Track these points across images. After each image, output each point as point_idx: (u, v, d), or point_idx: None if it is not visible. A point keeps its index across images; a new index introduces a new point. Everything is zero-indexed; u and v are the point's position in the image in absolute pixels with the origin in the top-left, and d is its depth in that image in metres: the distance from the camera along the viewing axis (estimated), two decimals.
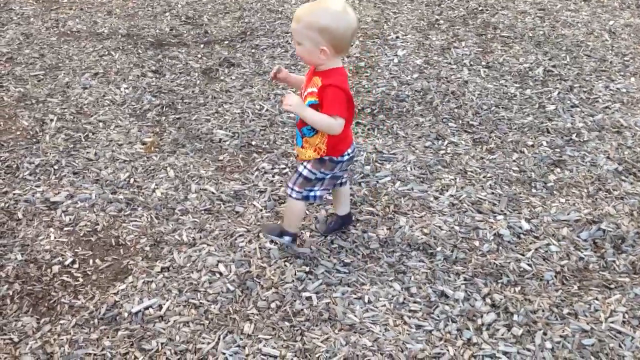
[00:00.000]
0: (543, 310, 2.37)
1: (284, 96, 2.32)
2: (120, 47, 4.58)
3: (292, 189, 2.49)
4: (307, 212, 2.80)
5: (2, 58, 4.41)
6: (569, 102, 3.81)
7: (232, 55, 4.44)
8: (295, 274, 2.52)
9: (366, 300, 2.40)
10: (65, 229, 2.79)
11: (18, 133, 3.51)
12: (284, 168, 3.19)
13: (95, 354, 2.19)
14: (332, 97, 2.23)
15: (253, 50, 4.52)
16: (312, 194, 2.50)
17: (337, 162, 2.43)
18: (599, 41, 4.63)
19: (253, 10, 5.22)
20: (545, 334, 2.27)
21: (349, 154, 2.45)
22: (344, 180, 2.65)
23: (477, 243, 2.69)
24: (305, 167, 2.46)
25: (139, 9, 5.31)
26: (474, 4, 5.34)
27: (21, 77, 4.15)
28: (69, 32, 4.87)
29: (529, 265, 2.58)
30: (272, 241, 2.68)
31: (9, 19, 5.09)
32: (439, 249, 2.65)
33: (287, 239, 2.59)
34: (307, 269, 2.54)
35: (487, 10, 5.23)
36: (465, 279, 2.50)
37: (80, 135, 3.49)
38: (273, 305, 2.39)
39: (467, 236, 2.74)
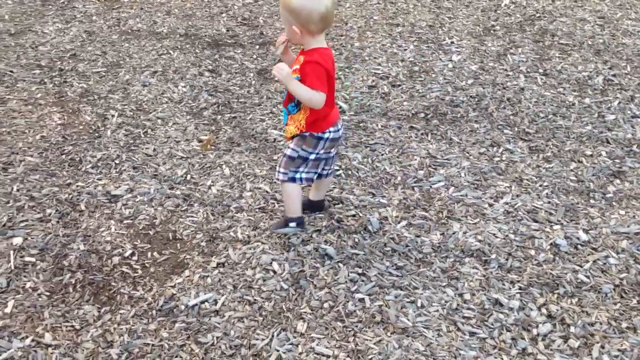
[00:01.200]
0: (601, 323, 2.32)
1: (276, 64, 2.43)
2: (179, 47, 4.68)
3: (278, 171, 2.63)
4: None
5: (66, 54, 4.56)
6: (629, 112, 3.72)
7: None
8: (348, 275, 2.53)
9: (419, 305, 2.40)
10: (125, 221, 2.87)
11: (81, 127, 3.63)
12: (337, 170, 3.21)
13: (153, 344, 2.25)
14: (311, 73, 2.36)
15: None
16: (297, 175, 2.61)
17: (318, 138, 2.53)
18: None
19: None
20: (603, 347, 2.23)
21: (330, 132, 2.53)
22: (328, 170, 2.71)
23: (532, 252, 2.66)
24: (288, 146, 2.61)
25: (196, 10, 5.41)
26: (531, 11, 5.27)
27: (84, 73, 4.29)
28: (129, 30, 5.00)
29: (586, 277, 2.53)
30: (326, 242, 2.70)
31: (72, 17, 5.26)
32: (493, 256, 2.63)
33: (292, 225, 2.71)
34: (360, 270, 2.56)
35: (544, 17, 5.15)
36: (520, 288, 2.47)
37: (139, 132, 3.58)
38: (326, 305, 2.41)
39: (522, 245, 2.70)
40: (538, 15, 5.18)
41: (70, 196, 3.02)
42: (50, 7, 5.47)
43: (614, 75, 4.15)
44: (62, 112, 3.79)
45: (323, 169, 2.69)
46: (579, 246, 2.69)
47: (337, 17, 5.18)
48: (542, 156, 3.34)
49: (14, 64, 4.41)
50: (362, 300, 2.43)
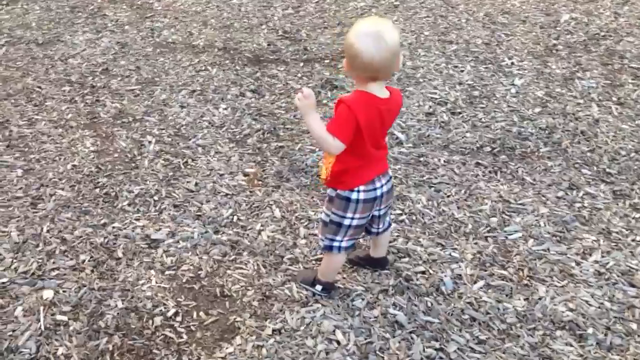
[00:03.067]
0: None
1: (302, 90, 2.07)
2: (217, 63, 4.37)
3: (319, 237, 2.33)
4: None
5: (98, 69, 4.28)
6: None
7: (334, 77, 4.16)
8: (423, 350, 2.20)
9: None
10: (167, 272, 2.56)
11: (116, 155, 3.33)
12: (400, 214, 2.88)
13: None
14: (337, 114, 2.03)
15: None
16: (335, 244, 2.26)
17: (345, 198, 2.15)
18: None
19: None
20: None
21: (360, 191, 2.13)
22: (379, 229, 2.35)
23: (634, 326, 2.31)
24: (323, 209, 2.30)
25: (234, 20, 5.10)
26: (594, 28, 4.89)
27: (117, 91, 4.00)
28: (164, 42, 4.71)
29: None
30: (394, 305, 2.38)
31: (103, 26, 4.98)
32: (590, 331, 2.28)
33: (318, 288, 2.42)
34: (438, 344, 2.23)
35: (610, 36, 4.76)
36: None
37: (179, 162, 3.28)
38: None
39: (621, 316, 2.36)
40: (602, 34, 4.79)
41: (106, 240, 2.72)
42: (80, 14, 5.20)
43: None
44: (95, 136, 3.50)
45: (371, 227, 2.35)
46: None
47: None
48: (629, 203, 2.98)
49: (43, 78, 4.14)
50: None
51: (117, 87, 4.04)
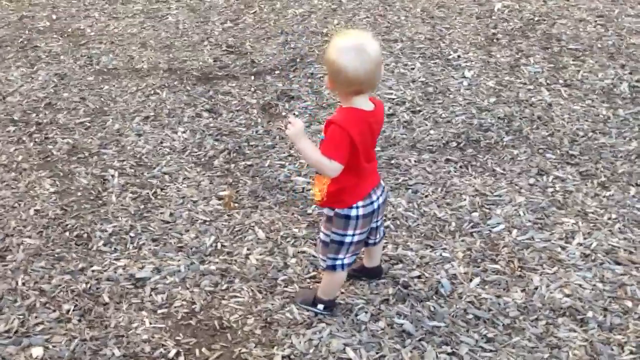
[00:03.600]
0: None
1: (289, 119, 2.06)
2: (166, 85, 4.25)
3: (319, 257, 2.31)
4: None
5: (40, 104, 4.08)
6: None
7: (288, 87, 4.13)
8: (437, 357, 2.21)
9: None
10: (160, 311, 2.47)
11: (79, 194, 3.18)
12: (384, 220, 2.88)
13: None
14: (329, 136, 2.00)
15: (310, 80, 4.20)
16: (337, 262, 2.24)
17: (344, 216, 2.13)
18: None
19: (296, 34, 4.90)
20: None
21: (359, 207, 2.12)
22: (375, 240, 2.36)
23: (629, 304, 2.39)
24: (320, 229, 2.26)
25: (174, 39, 4.98)
26: (528, 14, 5.05)
27: (66, 125, 3.82)
28: (105, 69, 4.54)
29: None
30: (398, 314, 2.37)
31: (36, 58, 4.75)
32: (589, 314, 2.35)
33: (320, 307, 2.38)
34: (449, 349, 2.24)
35: (543, 20, 4.93)
36: (631, 352, 2.20)
37: (148, 193, 3.16)
38: None
39: (614, 295, 2.44)
40: (536, 19, 4.95)
41: (88, 285, 2.59)
42: (9, 48, 4.94)
43: (637, 81, 3.95)
44: (52, 176, 3.34)
45: (369, 238, 2.34)
46: None
47: (328, 35, 4.83)
48: (597, 182, 3.08)
49: None
50: None
51: (64, 121, 3.86)
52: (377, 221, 2.26)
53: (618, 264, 2.58)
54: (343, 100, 2.06)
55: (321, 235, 2.26)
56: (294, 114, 3.83)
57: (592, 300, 2.41)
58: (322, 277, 2.39)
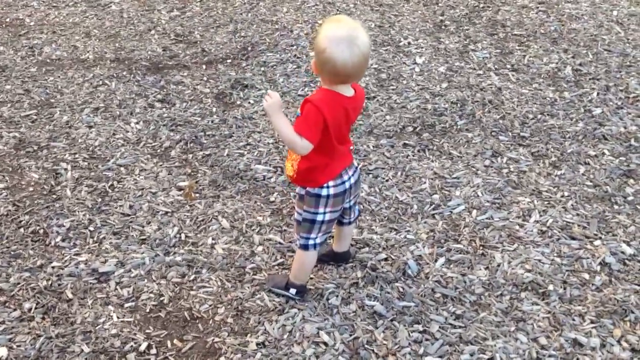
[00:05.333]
0: None
1: (268, 92, 2.09)
2: (114, 75, 4.14)
3: (295, 236, 2.32)
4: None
5: None
6: (611, 103, 3.68)
7: (241, 76, 4.09)
8: (409, 335, 2.26)
9: None
10: (127, 305, 2.42)
11: (31, 189, 3.07)
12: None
13: None
14: (304, 114, 2.01)
15: (263, 69, 4.17)
16: (310, 242, 2.26)
17: (315, 195, 2.16)
18: (612, 34, 4.54)
19: (246, 23, 4.85)
20: None
21: (329, 187, 2.15)
22: (350, 219, 2.39)
23: (586, 276, 2.50)
24: (296, 209, 2.29)
25: (119, 28, 4.85)
26: (473, 1, 5.16)
27: (11, 119, 3.67)
28: (48, 60, 4.38)
29: None
30: (368, 296, 2.41)
31: None
32: (550, 287, 2.45)
33: (292, 291, 2.38)
34: (420, 327, 2.29)
35: (488, 7, 5.06)
36: (591, 321, 2.30)
37: (104, 186, 3.08)
38: None
39: (572, 268, 2.54)
40: (482, 5, 5.07)
41: (49, 282, 2.51)
42: None
43: (580, 65, 4.11)
44: (1, 171, 3.21)
45: (343, 217, 2.37)
46: (627, 261, 2.57)
47: (278, 23, 4.81)
48: (549, 162, 3.20)
49: None
50: None
51: (9, 114, 3.71)
52: (349, 200, 2.28)
53: (573, 238, 2.69)
54: (325, 84, 2.05)
55: (295, 214, 2.29)
56: (249, 102, 3.80)
57: (551, 275, 2.50)
58: (293, 261, 2.39)
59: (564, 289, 2.44)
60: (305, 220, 2.21)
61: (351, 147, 2.25)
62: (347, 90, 2.04)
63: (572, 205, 2.88)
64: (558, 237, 2.70)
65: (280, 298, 2.42)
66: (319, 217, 2.20)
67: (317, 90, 2.08)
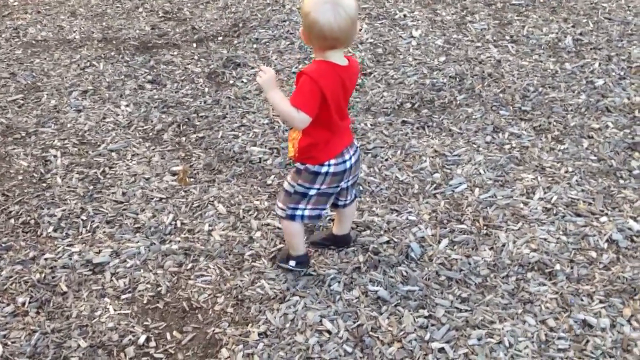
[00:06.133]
0: None
1: (261, 68, 2.05)
2: (102, 56, 4.02)
3: (277, 206, 2.25)
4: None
5: None
6: (614, 74, 3.59)
7: (233, 54, 3.98)
8: (414, 321, 2.20)
9: (507, 344, 2.11)
10: (123, 296, 2.35)
11: (20, 177, 2.98)
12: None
13: None
14: (299, 87, 1.97)
15: (255, 46, 4.06)
16: (297, 212, 2.21)
17: (314, 172, 2.11)
18: (613, 2, 4.43)
19: None
20: None
21: (330, 165, 2.10)
22: (345, 201, 2.31)
23: (593, 254, 2.44)
24: (286, 179, 2.22)
25: (106, 6, 4.71)
26: None
27: None
28: (34, 41, 4.25)
29: None
30: (371, 281, 2.35)
31: None
32: (557, 267, 2.39)
33: (292, 263, 2.36)
34: (426, 312, 2.23)
35: None
36: (600, 301, 2.25)
37: (95, 172, 2.99)
38: None
39: (579, 247, 2.48)
40: None
41: (43, 274, 2.44)
42: None
43: (580, 34, 4.01)
44: None
45: (338, 200, 2.30)
46: (635, 238, 2.51)
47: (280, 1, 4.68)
48: (551, 136, 3.12)
49: None
50: (442, 350, 2.10)
51: None
52: (347, 181, 2.20)
53: (579, 215, 2.63)
54: (317, 54, 2.01)
55: (285, 184, 2.22)
56: (242, 81, 3.70)
57: (558, 253, 2.45)
58: (284, 234, 2.33)
59: (571, 268, 2.39)
60: (297, 192, 2.17)
61: (351, 125, 2.17)
62: (340, 59, 1.99)
63: (576, 180, 2.81)
64: (563, 215, 2.64)
65: (281, 285, 2.35)
66: (312, 192, 2.16)
67: (312, 62, 2.02)
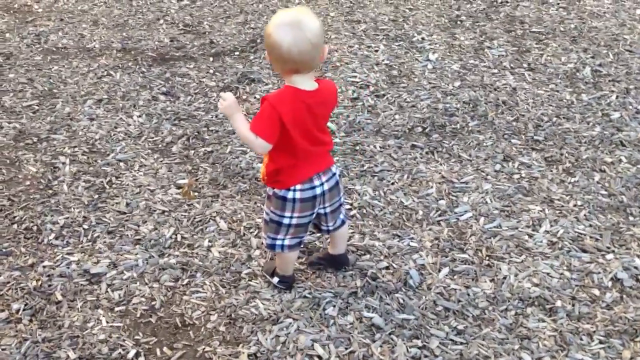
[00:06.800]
0: None
1: (221, 95, 2.05)
2: (120, 66, 4.06)
3: (262, 234, 2.29)
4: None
5: None
6: (631, 107, 3.53)
7: (248, 70, 3.99)
8: (407, 351, 2.16)
9: None
10: (117, 309, 2.34)
11: (27, 183, 3.00)
12: (350, 209, 2.81)
13: None
14: (259, 112, 1.97)
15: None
16: (277, 242, 2.21)
17: (281, 198, 2.09)
18: (635, 34, 4.37)
19: (257, 14, 4.75)
20: None
21: (296, 190, 2.07)
22: (329, 227, 2.28)
23: (596, 292, 2.38)
24: (264, 207, 2.23)
25: (127, 17, 4.77)
26: None
27: (12, 109, 3.61)
28: (54, 48, 4.31)
29: None
30: (367, 307, 2.31)
31: None
32: (558, 303, 2.33)
33: (275, 280, 2.38)
34: (420, 342, 2.18)
35: (507, 2, 4.90)
36: (600, 342, 2.19)
37: (102, 182, 3.01)
38: None
39: (582, 284, 2.42)
40: (500, 1, 4.92)
41: (39, 282, 2.44)
42: None
43: (599, 65, 3.95)
44: None
45: (321, 224, 2.28)
46: None
47: None
48: (562, 168, 3.07)
49: None
50: None
51: (11, 104, 3.65)
52: (324, 207, 2.18)
53: (584, 251, 2.57)
54: (284, 78, 2.01)
55: (263, 213, 2.24)
56: (255, 97, 3.70)
57: (560, 289, 2.39)
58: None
59: (573, 305, 2.33)
60: (272, 221, 2.17)
61: (330, 149, 2.15)
62: (307, 84, 1.97)
63: (585, 215, 2.75)
64: (568, 249, 2.58)
65: (276, 306, 2.33)
66: (285, 221, 2.15)
67: (280, 89, 2.02)
